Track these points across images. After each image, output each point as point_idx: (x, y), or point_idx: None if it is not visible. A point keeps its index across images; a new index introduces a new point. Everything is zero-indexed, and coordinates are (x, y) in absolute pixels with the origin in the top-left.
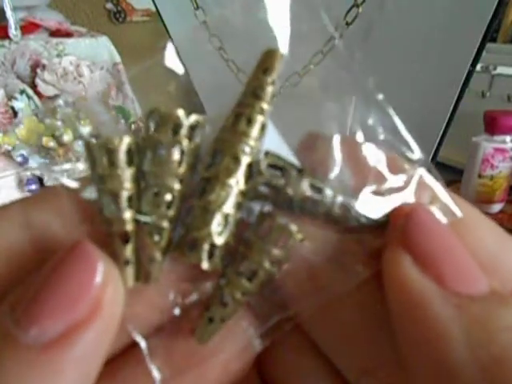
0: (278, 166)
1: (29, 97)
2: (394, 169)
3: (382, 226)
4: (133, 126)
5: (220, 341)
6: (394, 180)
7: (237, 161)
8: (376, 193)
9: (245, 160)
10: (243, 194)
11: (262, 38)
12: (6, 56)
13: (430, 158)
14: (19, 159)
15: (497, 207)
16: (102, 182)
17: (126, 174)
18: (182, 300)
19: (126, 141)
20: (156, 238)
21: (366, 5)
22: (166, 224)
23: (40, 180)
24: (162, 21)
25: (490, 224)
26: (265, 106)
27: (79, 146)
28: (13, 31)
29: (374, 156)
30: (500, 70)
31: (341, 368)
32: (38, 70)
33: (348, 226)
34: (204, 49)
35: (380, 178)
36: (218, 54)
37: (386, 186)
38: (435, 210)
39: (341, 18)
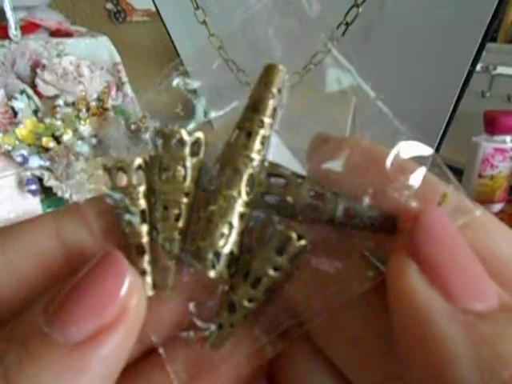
0: (279, 174)
1: (29, 97)
2: (401, 169)
3: (390, 229)
4: (133, 127)
5: (232, 347)
6: (401, 180)
7: (238, 173)
8: (383, 195)
9: (246, 172)
10: (246, 204)
11: (263, 40)
12: (6, 56)
13: None
14: (19, 159)
15: (497, 207)
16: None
17: (139, 191)
18: (195, 308)
19: (137, 162)
20: (168, 248)
21: (366, 5)
22: (176, 235)
23: (40, 180)
24: (162, 21)
25: (504, 227)
26: (265, 119)
27: (79, 146)
28: (13, 31)
29: (380, 157)
30: (500, 70)
31: (351, 379)
32: (38, 70)
33: (354, 230)
34: (203, 49)
35: (386, 179)
36: (217, 54)
37: (393, 187)
38: (446, 211)
39: (340, 18)
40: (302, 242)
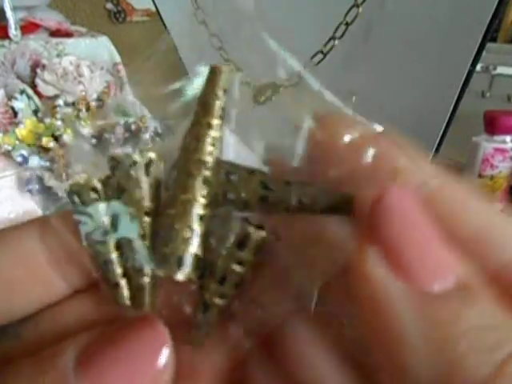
0: (233, 172)
1: (29, 97)
2: (353, 147)
3: (347, 210)
4: (133, 127)
5: (210, 345)
6: (354, 160)
7: (191, 177)
8: (338, 176)
9: (200, 175)
10: (205, 206)
11: (262, 39)
12: (6, 56)
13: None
14: (19, 159)
15: None
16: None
17: (98, 209)
18: (173, 311)
19: (92, 183)
20: (139, 267)
21: (366, 5)
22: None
23: (40, 180)
24: (162, 21)
25: (475, 197)
26: (212, 120)
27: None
28: (13, 31)
29: (330, 138)
30: (500, 70)
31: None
32: (38, 70)
33: (313, 216)
34: (203, 47)
35: (339, 160)
36: (217, 54)
37: (347, 167)
38: (402, 187)
39: (340, 18)
40: (262, 234)
